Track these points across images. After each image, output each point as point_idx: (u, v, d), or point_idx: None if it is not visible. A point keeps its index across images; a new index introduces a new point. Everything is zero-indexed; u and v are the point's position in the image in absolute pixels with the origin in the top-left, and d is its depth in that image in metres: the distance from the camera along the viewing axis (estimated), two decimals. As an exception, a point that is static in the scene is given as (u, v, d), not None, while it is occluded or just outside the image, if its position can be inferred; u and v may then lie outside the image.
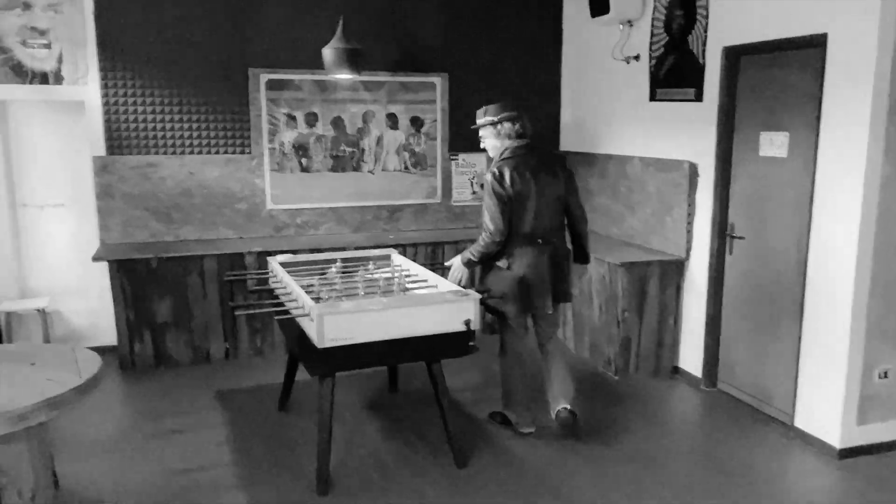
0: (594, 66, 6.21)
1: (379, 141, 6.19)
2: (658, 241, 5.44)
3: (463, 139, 6.40)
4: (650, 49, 5.46)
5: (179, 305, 5.44)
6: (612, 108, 6.00)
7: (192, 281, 5.43)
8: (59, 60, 5.35)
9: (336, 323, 3.40)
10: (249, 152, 5.86)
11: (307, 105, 5.95)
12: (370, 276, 4.37)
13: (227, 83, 5.73)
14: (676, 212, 5.20)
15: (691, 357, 5.21)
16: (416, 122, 6.27)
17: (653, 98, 5.48)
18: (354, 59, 4.79)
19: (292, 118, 5.92)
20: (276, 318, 3.58)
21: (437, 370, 3.94)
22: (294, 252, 5.50)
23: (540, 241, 4.03)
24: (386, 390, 5.00)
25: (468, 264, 4.21)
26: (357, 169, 6.17)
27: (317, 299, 3.83)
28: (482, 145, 4.23)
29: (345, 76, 5.43)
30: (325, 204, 6.11)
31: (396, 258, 4.82)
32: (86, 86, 5.43)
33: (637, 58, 5.60)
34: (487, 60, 6.39)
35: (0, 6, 5.19)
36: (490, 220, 3.97)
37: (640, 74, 5.58)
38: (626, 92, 5.77)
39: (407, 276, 4.37)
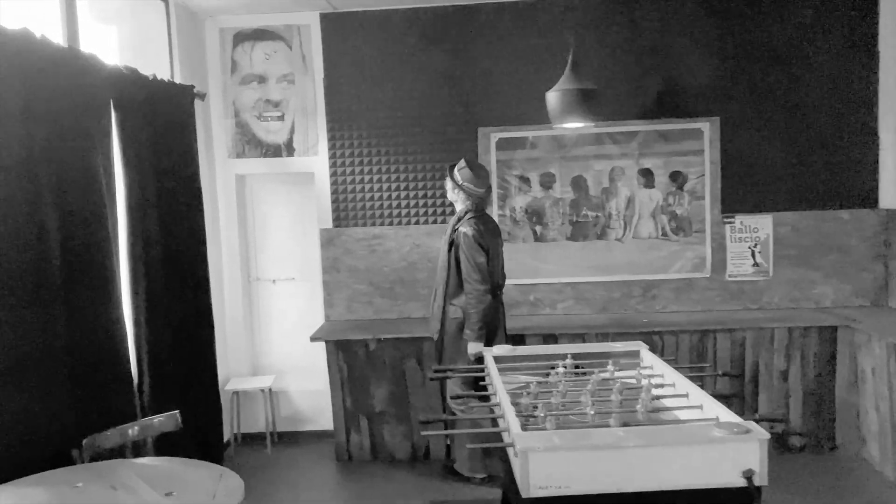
0: (932, 91, 4.54)
1: (629, 202, 5.13)
2: None
3: (741, 196, 5.09)
4: None
5: (398, 393, 4.85)
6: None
7: (409, 366, 4.82)
8: (291, 131, 5.22)
9: (547, 464, 2.41)
10: (478, 220, 5.18)
11: (543, 164, 5.13)
12: (608, 382, 3.31)
13: (454, 146, 5.14)
14: None
15: None
16: (678, 178, 5.10)
17: None
18: (589, 103, 3.81)
19: (525, 180, 5.14)
20: (469, 446, 2.72)
21: (700, 532, 2.73)
22: (522, 337, 4.66)
23: (500, 293, 4.39)
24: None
25: (479, 336, 4.15)
26: (602, 236, 5.16)
27: (529, 417, 2.89)
28: (446, 185, 4.37)
29: (575, 125, 4.48)
30: (562, 278, 5.18)
31: (646, 357, 3.68)
32: (315, 156, 5.22)
33: None
34: (772, 98, 5.03)
35: (239, 81, 5.21)
36: (477, 271, 4.13)
37: None
38: None
39: (659, 385, 3.23)
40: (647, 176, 5.11)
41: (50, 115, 3.03)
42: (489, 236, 4.24)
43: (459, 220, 4.26)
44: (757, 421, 2.65)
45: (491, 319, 4.24)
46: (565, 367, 3.54)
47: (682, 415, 2.91)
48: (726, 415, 2.71)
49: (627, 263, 5.15)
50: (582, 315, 5.14)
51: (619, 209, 5.14)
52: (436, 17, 5.08)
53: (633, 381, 3.38)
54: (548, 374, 3.52)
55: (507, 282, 5.15)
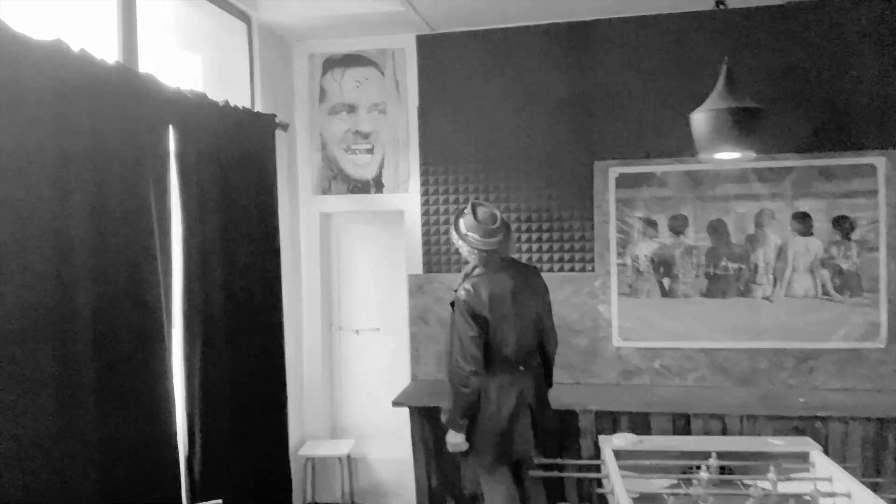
0: None
1: (781, 253, 4.21)
2: None
3: (927, 249, 4.07)
4: None
5: (492, 472, 4.10)
6: None
7: (507, 442, 4.07)
8: (381, 166, 4.68)
9: None
10: (592, 270, 4.41)
11: (673, 205, 4.31)
12: (771, 500, 2.45)
13: (565, 183, 4.42)
14: None
15: None
16: (844, 225, 4.14)
17: None
18: (753, 127, 2.89)
19: (651, 224, 4.33)
20: None
21: None
22: (646, 416, 3.83)
23: (521, 367, 3.42)
24: None
25: (455, 425, 3.33)
26: (746, 293, 4.25)
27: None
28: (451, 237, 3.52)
29: (732, 156, 3.35)
30: (695, 343, 4.29)
31: (820, 462, 2.78)
32: (406, 193, 4.65)
33: None
34: (970, 125, 4.02)
35: (327, 111, 4.75)
36: (462, 348, 3.29)
37: None
38: None
39: (848, 512, 2.34)
40: (803, 221, 4.18)
41: (91, 142, 2.59)
42: (497, 298, 3.34)
43: (465, 277, 3.45)
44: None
45: (504, 401, 3.35)
46: (709, 471, 2.70)
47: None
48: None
49: (777, 327, 4.20)
50: (720, 389, 4.22)
51: (767, 261, 4.22)
52: (548, 36, 4.43)
53: (808, 498, 2.51)
54: (687, 480, 2.70)
55: (627, 344, 4.36)
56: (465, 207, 3.48)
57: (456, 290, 3.43)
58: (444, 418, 3.48)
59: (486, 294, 3.34)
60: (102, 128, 2.65)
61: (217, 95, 3.67)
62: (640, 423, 3.87)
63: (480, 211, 3.41)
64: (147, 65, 3.18)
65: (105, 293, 2.64)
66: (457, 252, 4.49)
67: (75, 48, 2.48)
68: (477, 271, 3.42)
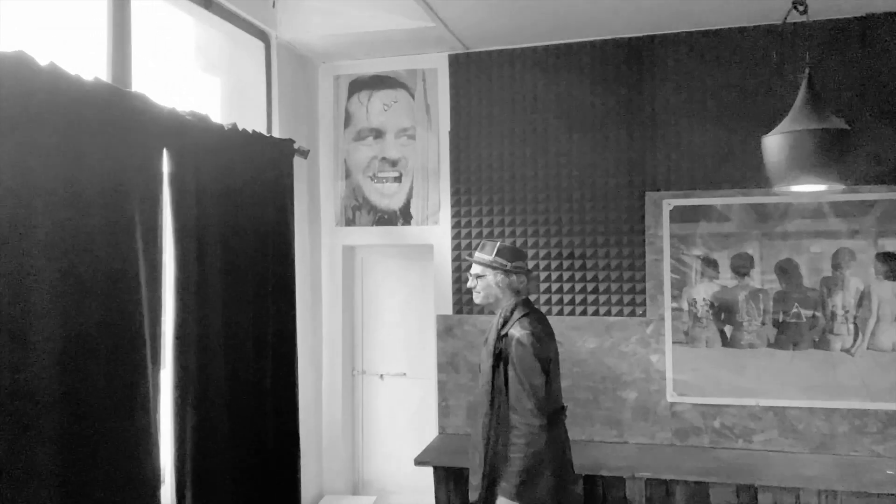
0: None
1: (863, 299, 3.66)
2: None
3: None
4: None
5: (526, 543, 3.60)
6: None
7: (544, 510, 3.57)
8: (409, 195, 4.30)
9: None
10: (643, 314, 3.92)
11: (736, 243, 3.81)
12: None
13: (613, 216, 3.97)
14: None
15: None
16: (939, 268, 3.58)
17: None
18: (840, 153, 2.37)
19: (711, 263, 3.83)
20: None
21: None
22: (704, 486, 3.30)
23: (564, 416, 3.09)
24: None
25: (517, 492, 2.78)
26: (821, 345, 3.70)
27: None
28: (470, 283, 3.14)
29: (816, 188, 2.80)
30: (762, 400, 3.75)
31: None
32: (436, 225, 4.25)
33: None
34: None
35: (353, 136, 4.40)
36: (532, 397, 2.80)
37: None
38: None
39: None
40: (889, 263, 3.63)
41: (64, 166, 2.26)
42: (548, 341, 2.97)
43: (506, 320, 2.96)
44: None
45: (552, 458, 2.89)
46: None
47: None
48: None
49: (860, 385, 3.63)
50: (791, 455, 3.66)
51: (846, 308, 3.67)
52: (595, 54, 4.01)
53: None
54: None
55: (683, 399, 3.86)
56: (484, 248, 3.06)
57: (505, 335, 2.90)
58: (473, 496, 2.92)
59: (542, 332, 2.96)
60: (79, 151, 2.32)
61: (235, 119, 3.37)
62: (698, 495, 3.35)
63: (500, 240, 3.16)
64: (166, 90, 2.90)
65: (73, 348, 2.29)
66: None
67: (43, 61, 2.16)
68: (521, 310, 2.98)
